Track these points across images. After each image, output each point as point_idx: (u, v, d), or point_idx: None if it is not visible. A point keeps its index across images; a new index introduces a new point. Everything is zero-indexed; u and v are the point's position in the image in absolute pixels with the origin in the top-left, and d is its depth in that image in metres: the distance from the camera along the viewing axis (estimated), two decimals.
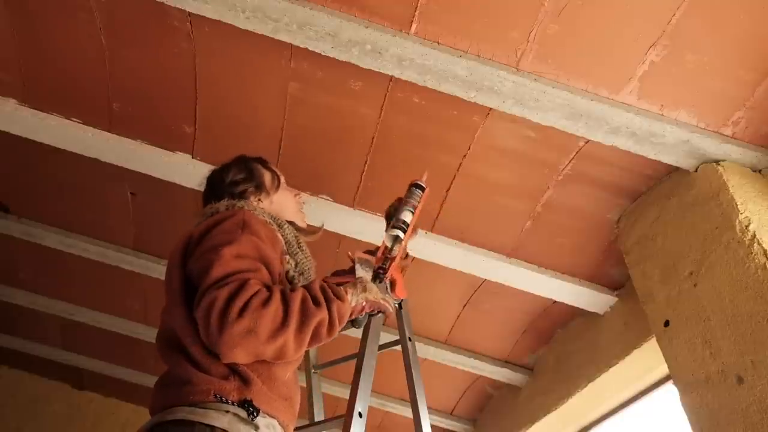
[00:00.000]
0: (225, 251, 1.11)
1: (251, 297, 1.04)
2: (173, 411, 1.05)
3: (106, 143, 2.02)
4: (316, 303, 1.13)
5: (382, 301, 1.32)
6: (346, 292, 1.22)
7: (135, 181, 2.24)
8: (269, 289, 1.10)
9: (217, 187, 1.45)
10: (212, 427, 1.02)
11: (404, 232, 1.41)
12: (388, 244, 1.41)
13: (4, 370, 4.21)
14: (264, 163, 1.55)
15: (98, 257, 2.59)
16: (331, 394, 3.05)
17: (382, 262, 1.39)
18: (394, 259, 1.37)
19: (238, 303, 1.02)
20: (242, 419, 1.05)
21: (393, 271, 1.41)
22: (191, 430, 1.01)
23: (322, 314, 1.12)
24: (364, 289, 1.27)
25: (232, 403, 1.06)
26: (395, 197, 1.59)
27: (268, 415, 1.11)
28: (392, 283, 1.42)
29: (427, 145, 1.89)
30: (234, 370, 1.10)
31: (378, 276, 1.37)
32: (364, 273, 1.38)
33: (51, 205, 2.50)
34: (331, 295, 1.17)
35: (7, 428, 4.04)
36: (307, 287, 1.18)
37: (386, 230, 1.44)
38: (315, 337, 1.12)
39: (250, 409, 1.07)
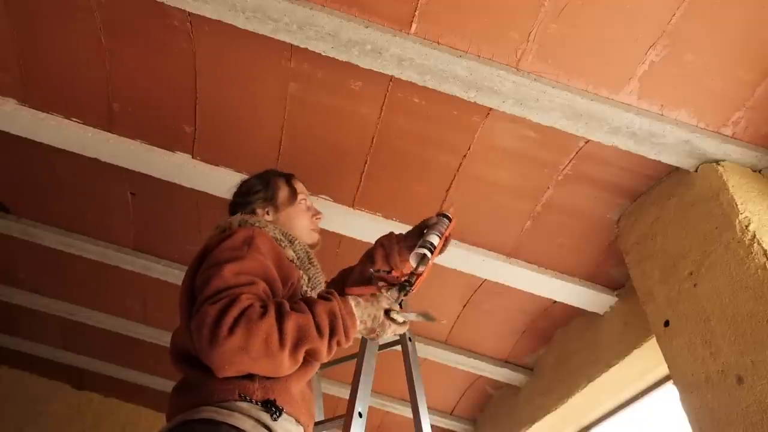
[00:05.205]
0: (226, 268, 1.10)
1: (242, 312, 1.02)
2: (199, 410, 1.05)
3: (106, 143, 2.02)
4: (320, 332, 1.08)
5: (377, 332, 1.24)
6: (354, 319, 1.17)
7: (135, 181, 2.24)
8: (265, 304, 1.07)
9: (237, 196, 1.53)
10: (237, 429, 1.02)
11: (431, 252, 1.44)
12: (413, 263, 1.44)
13: (4, 370, 4.20)
14: (289, 178, 1.58)
15: (98, 257, 2.60)
16: (331, 394, 3.06)
17: (408, 278, 1.38)
18: (420, 275, 1.39)
19: (229, 319, 0.99)
20: (264, 425, 1.06)
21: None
22: (217, 430, 1.02)
23: (321, 345, 1.08)
24: (374, 320, 1.21)
25: (256, 403, 1.07)
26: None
27: (290, 415, 1.12)
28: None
29: (427, 145, 1.89)
30: None
31: (404, 289, 1.35)
32: (386, 303, 1.30)
33: (51, 205, 2.50)
34: (340, 327, 1.11)
35: (7, 428, 4.03)
36: (315, 311, 1.10)
37: (414, 251, 1.46)
38: (311, 356, 1.10)
39: (273, 408, 1.08)
